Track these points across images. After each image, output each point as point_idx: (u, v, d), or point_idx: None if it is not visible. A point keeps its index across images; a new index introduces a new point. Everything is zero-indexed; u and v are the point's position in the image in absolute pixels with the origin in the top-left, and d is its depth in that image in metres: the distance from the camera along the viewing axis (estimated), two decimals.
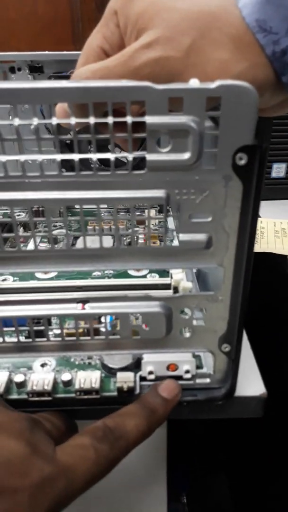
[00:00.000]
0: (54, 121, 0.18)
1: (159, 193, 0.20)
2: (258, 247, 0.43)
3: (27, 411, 0.24)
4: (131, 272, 0.35)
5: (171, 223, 0.41)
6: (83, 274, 0.35)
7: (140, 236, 0.36)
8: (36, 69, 0.43)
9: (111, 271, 0.35)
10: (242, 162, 0.19)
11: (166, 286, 0.32)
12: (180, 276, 0.32)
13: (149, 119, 0.18)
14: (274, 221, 0.48)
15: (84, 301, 0.23)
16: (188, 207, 0.21)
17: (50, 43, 0.73)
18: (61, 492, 0.18)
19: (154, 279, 0.34)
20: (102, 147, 0.20)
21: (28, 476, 0.18)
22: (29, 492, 0.18)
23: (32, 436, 0.19)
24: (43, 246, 0.37)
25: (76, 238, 0.39)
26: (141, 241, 0.38)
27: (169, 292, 0.31)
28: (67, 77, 0.41)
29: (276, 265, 0.42)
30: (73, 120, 0.18)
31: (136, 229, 0.40)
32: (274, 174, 0.53)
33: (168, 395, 0.24)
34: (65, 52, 0.42)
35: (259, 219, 0.49)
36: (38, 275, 0.35)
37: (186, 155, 0.19)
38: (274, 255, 0.41)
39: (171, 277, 0.32)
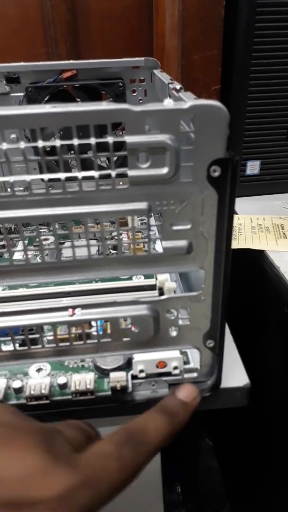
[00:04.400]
0: (40, 144, 0.20)
1: (142, 205, 0.21)
2: (236, 244, 0.44)
3: (26, 415, 0.25)
4: None
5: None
6: None
7: (124, 238, 0.38)
8: (12, 80, 0.43)
9: None
10: (216, 174, 0.21)
11: (152, 287, 0.34)
12: (164, 277, 0.34)
13: (128, 139, 0.20)
14: (251, 217, 0.50)
15: (74, 307, 0.25)
16: (169, 216, 0.22)
17: (22, 46, 0.73)
18: (86, 502, 0.17)
19: (140, 280, 0.36)
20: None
21: (48, 488, 0.17)
22: (50, 504, 0.17)
23: (51, 446, 0.19)
24: (29, 254, 0.38)
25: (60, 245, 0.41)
26: (124, 239, 0.39)
27: (155, 293, 0.32)
28: (44, 88, 0.42)
29: (254, 260, 0.44)
30: (58, 143, 0.19)
31: (121, 234, 0.42)
32: (248, 171, 0.55)
33: (186, 398, 0.24)
34: (41, 63, 0.43)
35: (236, 216, 0.51)
36: None
37: (165, 170, 0.21)
38: (251, 250, 0.44)
39: (156, 278, 0.34)
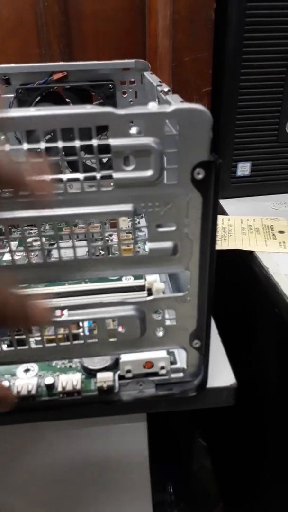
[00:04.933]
0: (25, 146, 0.20)
1: (127, 207, 0.22)
2: (226, 245, 0.45)
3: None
4: None
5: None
6: None
7: (115, 239, 0.38)
8: (3, 81, 0.43)
9: None
10: (200, 176, 0.21)
11: (141, 288, 0.34)
12: (153, 278, 0.34)
13: (113, 142, 0.20)
14: (241, 218, 0.51)
15: (61, 308, 0.25)
16: (154, 218, 0.22)
17: (16, 47, 0.73)
18: None
19: (129, 281, 0.36)
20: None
21: None
22: None
23: None
24: (19, 255, 0.38)
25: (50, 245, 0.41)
26: (115, 240, 0.39)
27: (143, 294, 0.33)
28: (34, 89, 0.43)
29: (244, 261, 0.44)
30: (42, 145, 0.20)
31: (110, 235, 0.42)
32: (239, 172, 0.55)
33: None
34: (31, 64, 0.43)
35: (227, 217, 0.51)
36: None
37: (149, 172, 0.21)
38: (241, 251, 0.44)
39: (145, 279, 0.34)
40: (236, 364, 0.30)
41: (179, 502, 0.72)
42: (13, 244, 0.39)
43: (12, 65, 0.43)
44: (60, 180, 0.20)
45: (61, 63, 0.44)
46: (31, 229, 0.41)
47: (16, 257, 0.23)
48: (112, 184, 0.21)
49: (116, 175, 0.21)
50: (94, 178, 0.21)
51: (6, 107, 0.44)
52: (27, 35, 0.73)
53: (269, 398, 0.46)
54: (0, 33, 0.70)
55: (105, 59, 0.45)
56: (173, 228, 0.23)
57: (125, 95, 0.46)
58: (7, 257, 0.36)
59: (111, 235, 0.43)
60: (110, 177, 0.21)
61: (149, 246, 0.23)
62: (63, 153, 0.20)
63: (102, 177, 0.21)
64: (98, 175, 0.21)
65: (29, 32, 0.72)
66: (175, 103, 0.22)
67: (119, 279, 0.37)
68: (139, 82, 0.46)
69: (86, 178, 0.21)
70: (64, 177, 0.20)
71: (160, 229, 0.23)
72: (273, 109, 0.53)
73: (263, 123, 0.53)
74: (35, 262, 0.23)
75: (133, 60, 0.44)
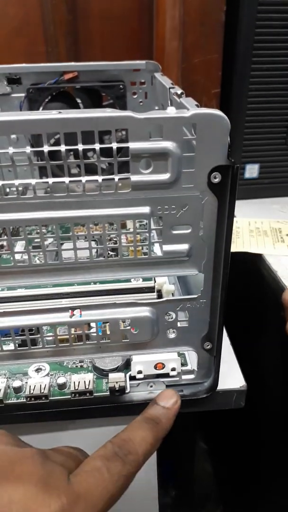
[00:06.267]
0: (46, 148, 0.20)
1: (144, 209, 0.22)
2: (234, 247, 0.45)
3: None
4: None
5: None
6: None
7: (122, 241, 0.38)
8: (14, 81, 0.43)
9: None
10: (217, 180, 0.21)
11: (150, 289, 0.34)
12: (162, 280, 0.34)
13: (132, 145, 0.20)
14: (249, 221, 0.51)
15: (74, 308, 0.25)
16: (169, 220, 0.23)
17: (23, 45, 0.73)
18: None
19: (138, 282, 0.36)
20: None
21: (47, 509, 0.18)
22: None
23: (44, 469, 0.19)
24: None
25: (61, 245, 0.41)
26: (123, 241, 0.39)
27: (153, 295, 0.33)
28: (45, 89, 0.43)
29: (252, 264, 0.44)
30: (63, 147, 0.20)
31: (122, 238, 0.42)
32: (247, 175, 0.55)
33: (167, 403, 0.25)
34: (42, 64, 0.43)
35: (235, 219, 0.51)
36: None
37: (167, 176, 0.21)
38: (249, 254, 0.44)
39: (155, 281, 0.34)
40: (242, 367, 0.31)
41: (180, 505, 0.72)
42: (21, 244, 0.39)
43: (23, 64, 0.43)
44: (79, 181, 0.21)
45: (72, 63, 0.44)
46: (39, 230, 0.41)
47: (21, 258, 0.23)
48: (119, 184, 0.21)
49: (133, 177, 0.21)
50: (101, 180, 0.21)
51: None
52: (34, 33, 0.73)
53: (273, 402, 0.46)
54: (7, 31, 0.70)
55: (111, 59, 0.45)
56: (188, 231, 0.23)
57: (135, 96, 0.46)
58: (18, 257, 0.36)
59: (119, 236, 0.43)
60: (123, 179, 0.21)
61: (163, 248, 0.24)
62: (72, 155, 0.20)
63: (108, 180, 0.21)
64: (116, 178, 0.21)
65: (36, 30, 0.72)
66: (191, 107, 0.22)
67: (128, 280, 0.37)
68: (150, 83, 0.46)
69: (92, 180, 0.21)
70: (83, 179, 0.21)
71: (175, 231, 0.23)
72: (282, 111, 0.53)
73: (271, 125, 0.53)
74: (50, 262, 0.24)
75: (144, 61, 0.44)
